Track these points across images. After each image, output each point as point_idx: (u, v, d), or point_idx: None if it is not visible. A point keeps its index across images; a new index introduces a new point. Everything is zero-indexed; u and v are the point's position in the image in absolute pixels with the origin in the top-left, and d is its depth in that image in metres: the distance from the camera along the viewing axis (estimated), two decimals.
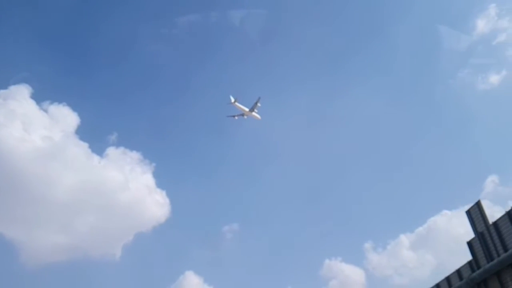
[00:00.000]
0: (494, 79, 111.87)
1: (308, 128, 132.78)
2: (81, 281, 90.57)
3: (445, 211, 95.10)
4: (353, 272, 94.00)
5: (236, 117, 78.67)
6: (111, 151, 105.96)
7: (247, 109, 76.93)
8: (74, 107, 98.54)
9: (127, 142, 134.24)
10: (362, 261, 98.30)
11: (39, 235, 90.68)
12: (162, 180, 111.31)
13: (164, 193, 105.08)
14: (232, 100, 75.03)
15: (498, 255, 21.13)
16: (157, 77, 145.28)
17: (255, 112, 77.88)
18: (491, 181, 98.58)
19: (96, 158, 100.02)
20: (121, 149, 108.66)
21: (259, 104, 76.53)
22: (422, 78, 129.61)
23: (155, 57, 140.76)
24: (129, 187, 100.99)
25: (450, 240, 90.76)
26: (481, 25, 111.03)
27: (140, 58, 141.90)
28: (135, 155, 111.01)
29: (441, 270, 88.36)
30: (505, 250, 20.60)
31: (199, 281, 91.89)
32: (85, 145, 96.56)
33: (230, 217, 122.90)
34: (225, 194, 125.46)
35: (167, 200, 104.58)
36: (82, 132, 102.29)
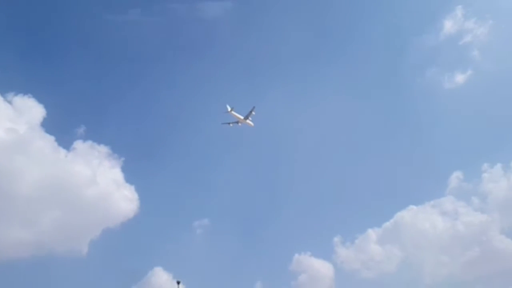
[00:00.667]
0: (460, 78, 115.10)
1: (279, 122, 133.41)
2: (45, 278, 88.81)
3: (412, 206, 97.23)
4: (322, 266, 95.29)
5: (231, 125, 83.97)
6: (78, 144, 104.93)
7: (242, 117, 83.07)
8: (40, 99, 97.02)
9: (95, 135, 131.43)
10: (331, 256, 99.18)
11: (1, 230, 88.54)
12: (131, 174, 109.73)
13: (133, 188, 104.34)
14: (229, 109, 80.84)
15: None
16: (128, 69, 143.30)
17: (249, 120, 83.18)
18: (455, 177, 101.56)
19: (62, 151, 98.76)
20: (89, 142, 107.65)
21: (253, 113, 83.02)
22: (392, 76, 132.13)
23: (126, 47, 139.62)
24: (97, 182, 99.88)
25: (416, 234, 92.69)
26: (448, 25, 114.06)
27: (111, 48, 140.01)
28: (103, 149, 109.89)
29: (407, 264, 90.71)
30: None
31: (168, 277, 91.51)
32: (51, 138, 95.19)
33: (200, 212, 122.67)
34: (195, 189, 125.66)
35: (136, 195, 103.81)
36: (48, 125, 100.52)
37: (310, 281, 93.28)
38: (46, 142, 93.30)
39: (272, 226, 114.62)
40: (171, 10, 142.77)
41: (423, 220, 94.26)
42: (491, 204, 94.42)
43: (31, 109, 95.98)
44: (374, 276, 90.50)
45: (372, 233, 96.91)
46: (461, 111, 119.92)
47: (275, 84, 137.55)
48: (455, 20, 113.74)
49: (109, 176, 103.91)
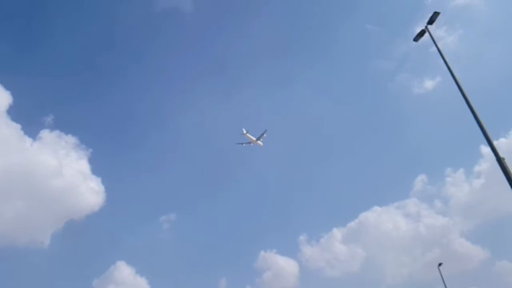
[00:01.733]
0: (429, 84, 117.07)
1: (251, 119, 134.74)
2: (5, 270, 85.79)
3: (376, 207, 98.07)
4: (287, 264, 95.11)
5: (244, 145, 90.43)
6: (45, 134, 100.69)
7: (254, 139, 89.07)
8: (7, 85, 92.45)
9: (63, 125, 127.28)
10: (296, 254, 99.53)
11: None
12: (98, 167, 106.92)
13: (99, 180, 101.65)
14: (244, 131, 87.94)
15: None
16: (101, 57, 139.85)
17: (261, 140, 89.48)
18: (420, 180, 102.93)
19: (28, 140, 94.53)
20: (56, 132, 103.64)
21: (265, 135, 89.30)
22: (364, 79, 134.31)
23: (102, 32, 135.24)
24: (63, 173, 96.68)
25: (379, 234, 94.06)
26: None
27: (85, 34, 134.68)
28: (71, 139, 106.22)
29: (370, 263, 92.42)
30: None
31: (131, 272, 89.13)
32: (17, 126, 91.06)
33: (167, 207, 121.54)
34: (163, 183, 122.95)
35: (102, 188, 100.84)
36: (15, 113, 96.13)
37: (275, 278, 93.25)
38: (11, 130, 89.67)
39: (239, 223, 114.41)
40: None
41: (387, 221, 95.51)
42: (452, 208, 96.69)
43: None
44: (338, 275, 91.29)
45: (337, 232, 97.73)
46: (429, 116, 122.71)
47: (248, 82, 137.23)
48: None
49: (75, 168, 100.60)
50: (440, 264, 46.38)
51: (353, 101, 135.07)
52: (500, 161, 18.65)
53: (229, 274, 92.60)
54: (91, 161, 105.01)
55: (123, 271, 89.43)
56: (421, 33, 25.67)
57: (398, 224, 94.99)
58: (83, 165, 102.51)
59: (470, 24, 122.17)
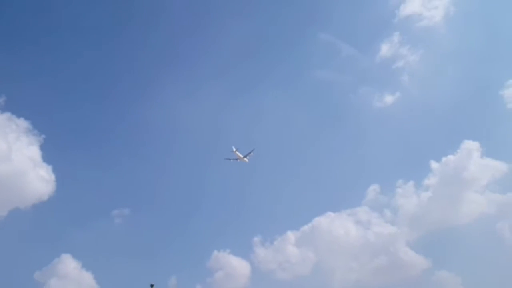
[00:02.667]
0: (389, 99, 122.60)
1: (212, 121, 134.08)
2: None
3: (329, 213, 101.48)
4: (239, 265, 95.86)
5: (232, 160, 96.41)
6: None
7: (242, 156, 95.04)
8: None
9: (15, 107, 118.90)
10: (249, 255, 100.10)
11: None
12: (50, 154, 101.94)
13: (50, 168, 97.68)
14: (234, 149, 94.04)
15: None
16: (61, 40, 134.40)
17: (247, 158, 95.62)
18: (372, 190, 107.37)
19: None
20: (7, 114, 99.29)
21: (252, 154, 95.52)
22: (328, 88, 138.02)
23: (59, 10, 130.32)
24: (11, 158, 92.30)
25: (330, 239, 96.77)
26: (385, 49, 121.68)
27: (46, 14, 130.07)
28: (23, 123, 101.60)
29: (320, 267, 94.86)
30: None
31: (77, 266, 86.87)
32: None
33: (121, 201, 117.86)
34: (120, 177, 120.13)
35: (53, 177, 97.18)
36: None
37: (226, 279, 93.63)
38: None
39: (194, 222, 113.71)
40: None
41: (339, 226, 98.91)
42: (400, 218, 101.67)
43: None
44: (288, 278, 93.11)
45: (291, 235, 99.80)
46: (386, 130, 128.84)
47: (213, 84, 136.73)
48: (391, 44, 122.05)
49: (25, 153, 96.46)
50: None
51: (315, 108, 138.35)
52: None
53: (180, 272, 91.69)
54: (43, 147, 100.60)
55: (68, 264, 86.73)
56: None
57: (349, 230, 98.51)
58: (34, 152, 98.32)
59: (431, 45, 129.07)
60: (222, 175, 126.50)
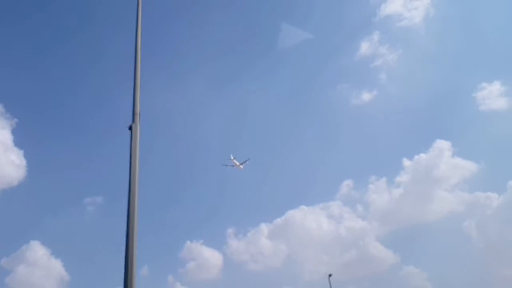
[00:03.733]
0: (366, 96, 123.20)
1: (193, 113, 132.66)
2: None
3: (303, 206, 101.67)
4: (212, 256, 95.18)
5: (228, 167, 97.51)
6: None
7: (238, 163, 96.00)
8: None
9: None
10: (222, 246, 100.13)
11: None
12: (22, 138, 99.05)
13: (21, 153, 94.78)
14: (232, 157, 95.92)
15: None
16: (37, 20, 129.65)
17: (242, 165, 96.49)
18: (346, 185, 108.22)
19: None
20: None
21: (247, 162, 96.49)
22: (308, 83, 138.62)
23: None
24: None
25: (302, 233, 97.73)
26: (365, 47, 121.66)
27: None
28: None
29: (292, 260, 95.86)
30: None
31: (45, 253, 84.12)
32: None
33: (95, 189, 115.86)
34: (94, 164, 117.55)
35: (24, 162, 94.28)
36: None
37: (198, 269, 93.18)
38: None
39: (168, 212, 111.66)
40: None
41: (311, 220, 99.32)
42: (372, 213, 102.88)
43: None
44: (260, 269, 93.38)
45: (265, 228, 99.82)
46: (362, 126, 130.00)
47: (193, 78, 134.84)
48: (371, 43, 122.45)
49: None
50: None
51: (293, 102, 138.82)
52: None
53: (152, 262, 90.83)
54: (14, 131, 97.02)
55: (37, 251, 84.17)
56: None
57: (321, 224, 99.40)
58: (5, 135, 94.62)
59: (409, 45, 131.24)
60: (198, 166, 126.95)
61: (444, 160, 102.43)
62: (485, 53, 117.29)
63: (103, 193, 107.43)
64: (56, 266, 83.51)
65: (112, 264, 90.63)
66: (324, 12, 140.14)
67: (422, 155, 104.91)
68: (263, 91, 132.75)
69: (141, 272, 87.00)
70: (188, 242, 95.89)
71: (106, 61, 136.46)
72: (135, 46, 12.50)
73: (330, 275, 50.06)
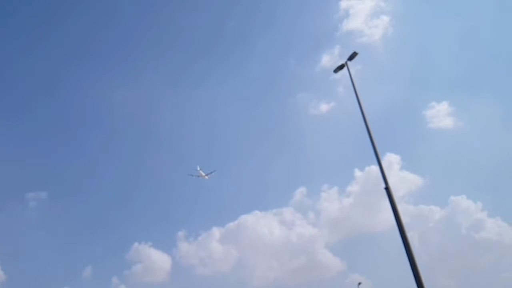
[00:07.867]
0: (324, 107, 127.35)
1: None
2: None
3: (256, 211, 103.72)
4: (160, 258, 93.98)
5: (194, 176, 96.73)
6: None
7: (204, 174, 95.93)
8: None
9: None
10: (172, 249, 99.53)
11: None
12: None
13: None
14: (198, 168, 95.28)
15: None
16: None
17: (208, 176, 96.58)
18: (300, 192, 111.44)
19: None
20: None
21: (213, 174, 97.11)
22: (271, 88, 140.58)
23: None
24: None
25: (254, 237, 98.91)
26: (326, 60, 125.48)
27: None
28: None
29: (242, 264, 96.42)
30: None
31: None
32: None
33: (38, 184, 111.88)
34: (40, 158, 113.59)
35: None
36: None
37: (144, 272, 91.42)
38: None
39: (117, 212, 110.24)
40: None
41: (263, 225, 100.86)
42: (322, 221, 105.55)
43: None
44: (209, 273, 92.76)
45: (217, 231, 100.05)
46: (318, 136, 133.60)
47: (150, 75, 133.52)
48: (332, 56, 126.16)
49: None
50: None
51: (252, 108, 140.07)
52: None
53: (96, 262, 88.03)
54: None
55: None
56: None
57: (273, 229, 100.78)
58: None
59: (368, 62, 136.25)
60: (151, 167, 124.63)
61: (393, 172, 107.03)
62: (436, 74, 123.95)
63: (48, 189, 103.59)
64: None
65: (54, 263, 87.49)
66: (290, 22, 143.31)
67: (373, 167, 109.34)
68: (224, 96, 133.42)
69: (83, 273, 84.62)
70: (136, 244, 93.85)
71: (60, 48, 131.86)
72: None
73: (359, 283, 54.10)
